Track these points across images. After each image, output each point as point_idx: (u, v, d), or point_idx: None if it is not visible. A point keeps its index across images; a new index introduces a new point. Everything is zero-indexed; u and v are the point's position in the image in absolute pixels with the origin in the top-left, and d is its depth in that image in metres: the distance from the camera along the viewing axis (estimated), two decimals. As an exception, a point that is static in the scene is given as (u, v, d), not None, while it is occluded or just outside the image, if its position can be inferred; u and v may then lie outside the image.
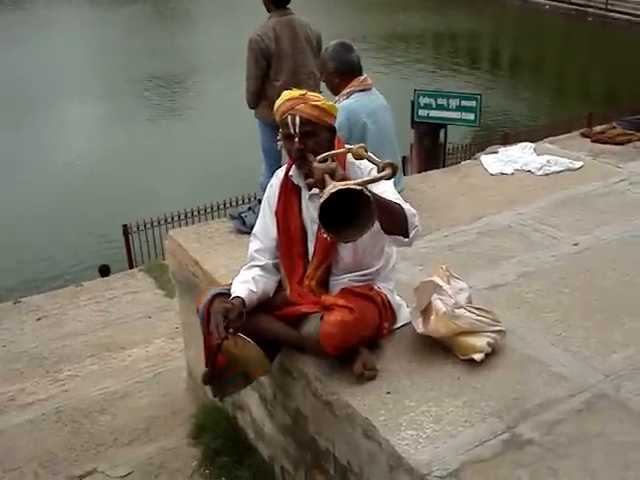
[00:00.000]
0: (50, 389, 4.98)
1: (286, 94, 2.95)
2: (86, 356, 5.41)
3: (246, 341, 2.86)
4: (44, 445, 4.32)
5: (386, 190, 2.83)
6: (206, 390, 4.26)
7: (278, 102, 2.95)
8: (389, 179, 2.71)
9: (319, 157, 2.78)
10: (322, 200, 2.45)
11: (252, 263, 3.11)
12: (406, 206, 2.82)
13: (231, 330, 2.81)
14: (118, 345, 5.55)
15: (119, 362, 5.30)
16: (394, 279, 3.20)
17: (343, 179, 2.61)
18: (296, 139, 2.89)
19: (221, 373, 3.12)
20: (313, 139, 2.90)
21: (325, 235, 2.66)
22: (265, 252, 3.10)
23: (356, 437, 2.70)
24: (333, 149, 2.96)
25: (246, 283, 2.99)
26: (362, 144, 2.88)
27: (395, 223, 2.78)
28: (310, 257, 3.04)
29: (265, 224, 3.13)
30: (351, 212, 2.50)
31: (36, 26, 28.47)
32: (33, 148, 15.89)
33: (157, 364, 5.19)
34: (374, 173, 2.80)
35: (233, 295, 2.94)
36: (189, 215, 10.09)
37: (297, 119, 2.87)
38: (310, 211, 3.02)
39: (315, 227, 2.99)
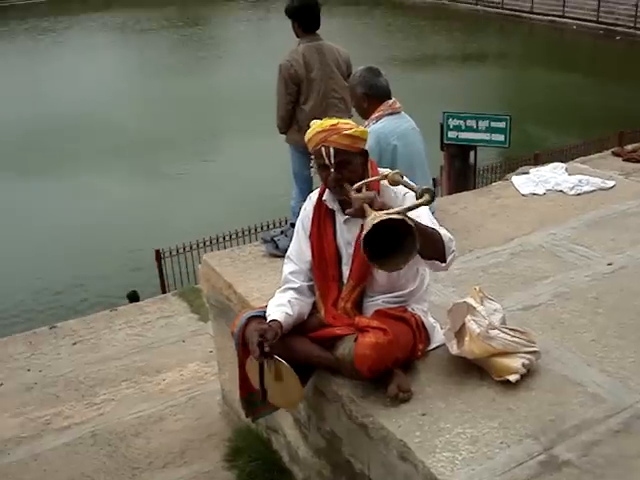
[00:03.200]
0: (86, 413, 5.03)
1: (316, 125, 2.97)
2: (121, 380, 5.46)
3: (283, 365, 2.88)
4: (80, 468, 4.36)
5: (421, 214, 2.85)
6: (240, 413, 4.28)
7: (310, 134, 2.98)
8: (428, 204, 2.73)
9: (355, 186, 2.81)
10: (365, 232, 2.50)
11: (287, 285, 3.13)
12: (442, 231, 2.85)
13: (267, 348, 2.81)
14: (153, 369, 5.59)
15: (154, 386, 5.33)
16: (428, 300, 3.20)
17: (382, 207, 2.66)
18: (332, 169, 2.92)
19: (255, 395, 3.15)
20: (348, 167, 2.93)
21: (372, 265, 2.68)
22: (300, 274, 3.13)
23: (391, 459, 2.69)
24: (367, 173, 3.00)
25: (282, 306, 3.01)
26: (397, 170, 2.91)
27: (433, 248, 2.80)
28: (345, 280, 3.06)
29: (299, 247, 3.16)
30: (394, 240, 2.54)
31: (58, 54, 29.09)
32: (67, 179, 16.11)
33: (191, 388, 5.22)
34: (410, 197, 2.84)
35: (270, 319, 2.96)
36: (220, 240, 10.12)
37: (331, 150, 2.90)
38: (345, 234, 3.05)
39: (350, 250, 3.02)
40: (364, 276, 3.02)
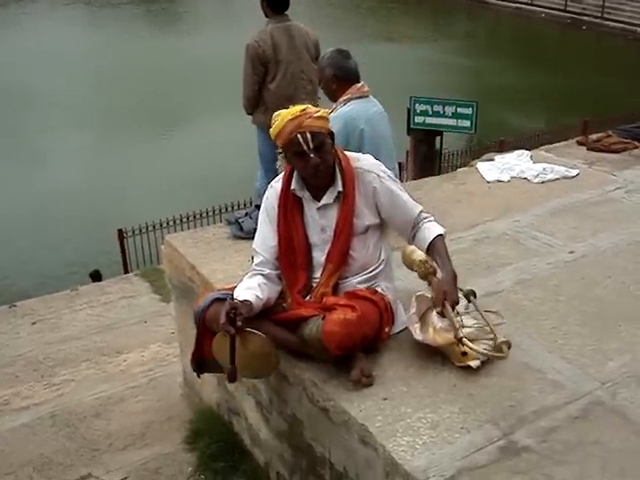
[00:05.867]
0: (45, 393, 4.97)
1: (285, 114, 2.94)
2: (81, 360, 5.40)
3: (256, 335, 2.83)
4: (39, 450, 4.31)
5: (394, 191, 3.07)
6: (201, 395, 4.27)
7: (279, 124, 2.93)
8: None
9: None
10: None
11: (255, 272, 3.09)
12: (437, 230, 3.07)
13: (240, 323, 2.75)
14: (113, 350, 5.54)
15: (114, 367, 5.29)
16: (394, 281, 3.22)
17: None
18: (311, 155, 2.91)
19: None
20: (323, 149, 2.95)
21: None
22: (266, 264, 3.09)
23: (352, 443, 2.70)
24: (335, 154, 3.04)
25: (251, 289, 2.97)
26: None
27: None
28: (316, 266, 3.06)
29: (264, 237, 3.13)
30: None
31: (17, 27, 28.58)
32: (25, 153, 15.83)
33: (153, 369, 5.18)
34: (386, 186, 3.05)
35: (240, 299, 2.91)
36: (184, 220, 10.06)
37: (308, 135, 2.89)
38: (319, 220, 3.06)
39: (325, 236, 3.04)
40: (344, 258, 3.03)
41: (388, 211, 3.07)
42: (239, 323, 2.76)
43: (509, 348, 2.80)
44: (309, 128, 2.89)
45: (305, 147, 2.90)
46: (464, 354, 2.84)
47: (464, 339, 2.76)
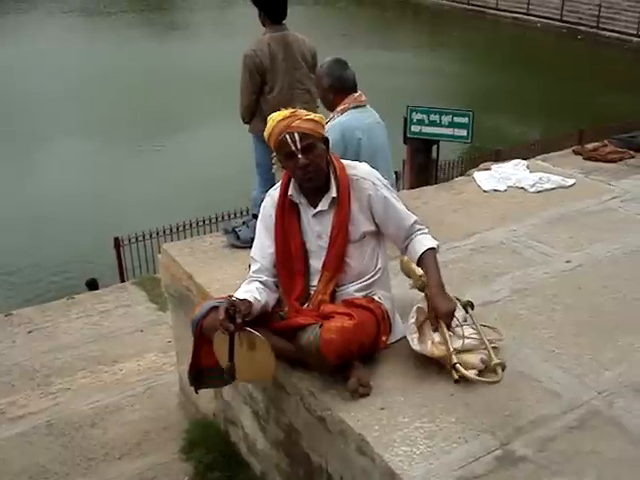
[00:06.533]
0: (41, 402, 4.96)
1: (276, 116, 2.98)
2: (77, 369, 5.39)
3: (255, 335, 2.82)
4: (35, 459, 4.30)
5: (388, 197, 3.07)
6: (198, 405, 4.26)
7: (270, 126, 2.97)
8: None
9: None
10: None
11: (252, 279, 3.10)
12: (429, 243, 3.06)
13: (239, 320, 2.74)
14: (110, 359, 5.53)
15: (111, 376, 5.28)
16: (391, 290, 3.22)
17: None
18: (299, 155, 2.93)
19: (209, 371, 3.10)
20: (314, 152, 2.96)
21: None
22: (264, 271, 3.10)
23: (349, 453, 2.70)
24: (329, 161, 3.06)
25: (250, 292, 2.98)
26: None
27: None
28: (313, 273, 3.07)
29: (262, 245, 3.13)
30: None
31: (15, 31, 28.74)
32: (21, 161, 15.82)
33: (149, 378, 5.17)
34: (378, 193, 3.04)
35: (240, 298, 2.90)
36: (181, 229, 10.05)
37: (296, 135, 2.91)
38: (314, 227, 3.06)
39: (321, 242, 3.04)
40: (340, 266, 3.04)
41: (382, 220, 3.09)
42: (239, 320, 2.75)
43: (503, 370, 2.83)
44: (298, 129, 2.92)
45: (293, 147, 2.92)
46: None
47: (457, 365, 2.80)
